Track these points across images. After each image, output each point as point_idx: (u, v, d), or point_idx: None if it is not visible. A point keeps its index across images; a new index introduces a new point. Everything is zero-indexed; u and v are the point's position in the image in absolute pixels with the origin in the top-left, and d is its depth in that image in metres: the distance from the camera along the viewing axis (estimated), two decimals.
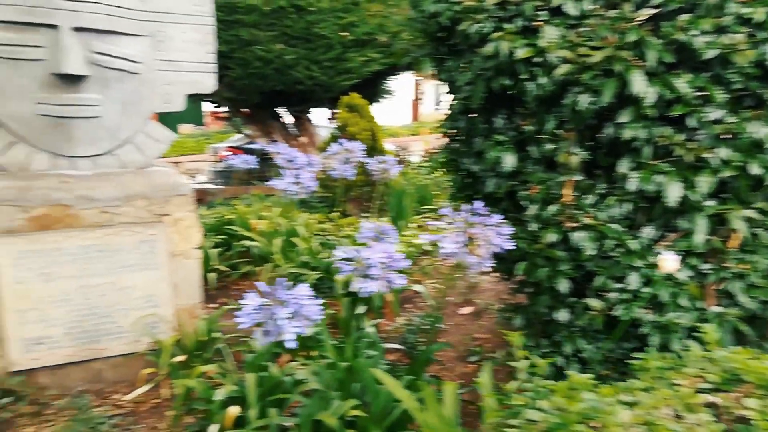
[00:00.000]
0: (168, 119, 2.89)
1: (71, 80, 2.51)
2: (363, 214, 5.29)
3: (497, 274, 2.74)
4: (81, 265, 2.56)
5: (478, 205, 1.89)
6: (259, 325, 1.54)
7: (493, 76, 2.04)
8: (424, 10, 2.18)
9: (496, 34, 1.97)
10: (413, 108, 29.34)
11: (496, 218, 1.88)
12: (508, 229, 1.88)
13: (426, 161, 10.27)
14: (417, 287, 3.40)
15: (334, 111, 7.52)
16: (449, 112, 2.57)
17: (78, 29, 2.48)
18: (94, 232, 2.58)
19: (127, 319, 2.66)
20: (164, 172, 2.84)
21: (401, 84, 8.47)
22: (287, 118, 7.71)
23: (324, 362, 2.18)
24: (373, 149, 5.39)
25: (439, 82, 2.42)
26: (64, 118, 2.55)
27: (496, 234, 1.83)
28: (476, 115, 2.34)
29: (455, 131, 2.60)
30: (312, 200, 5.35)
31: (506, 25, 2.00)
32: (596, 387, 1.35)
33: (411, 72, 8.55)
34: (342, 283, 3.14)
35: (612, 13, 1.96)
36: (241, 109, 7.39)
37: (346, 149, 3.63)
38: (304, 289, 1.61)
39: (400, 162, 4.03)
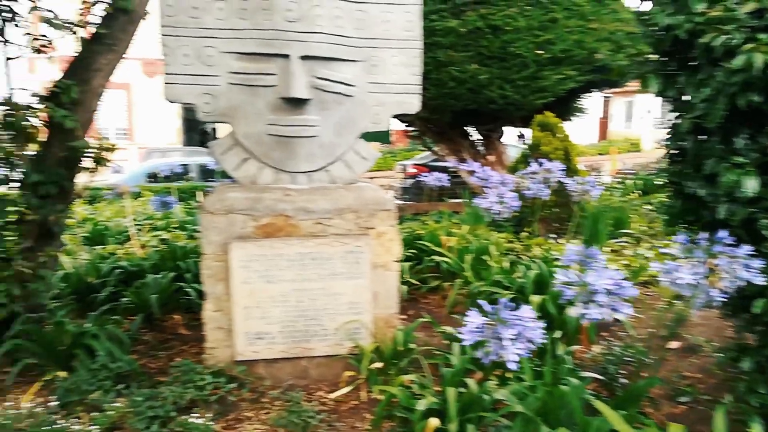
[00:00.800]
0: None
1: (296, 103, 2.80)
2: (551, 235, 5.08)
3: (714, 309, 2.45)
4: (297, 271, 2.81)
5: (723, 233, 1.68)
6: (482, 343, 1.53)
7: (740, 91, 1.81)
8: (656, 23, 2.02)
9: (747, 46, 1.75)
10: (600, 126, 27.68)
11: (745, 249, 1.66)
12: (759, 262, 1.65)
13: (619, 182, 9.61)
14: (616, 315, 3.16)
15: (500, 126, 7.34)
16: (672, 131, 2.35)
17: (304, 57, 2.76)
18: (310, 241, 2.82)
19: (332, 322, 2.86)
20: (371, 188, 3.01)
21: (588, 102, 8.04)
22: (475, 135, 7.73)
23: (523, 384, 2.12)
24: (567, 169, 5.16)
25: (666, 100, 2.22)
26: (289, 138, 2.84)
27: (744, 267, 1.61)
28: (709, 134, 2.10)
29: (678, 152, 2.37)
30: (498, 219, 5.30)
31: (761, 35, 1.77)
32: None
33: (604, 89, 8.07)
34: (537, 305, 3.04)
35: None
36: (431, 128, 7.58)
37: (546, 169, 3.52)
38: (528, 311, 1.57)
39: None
